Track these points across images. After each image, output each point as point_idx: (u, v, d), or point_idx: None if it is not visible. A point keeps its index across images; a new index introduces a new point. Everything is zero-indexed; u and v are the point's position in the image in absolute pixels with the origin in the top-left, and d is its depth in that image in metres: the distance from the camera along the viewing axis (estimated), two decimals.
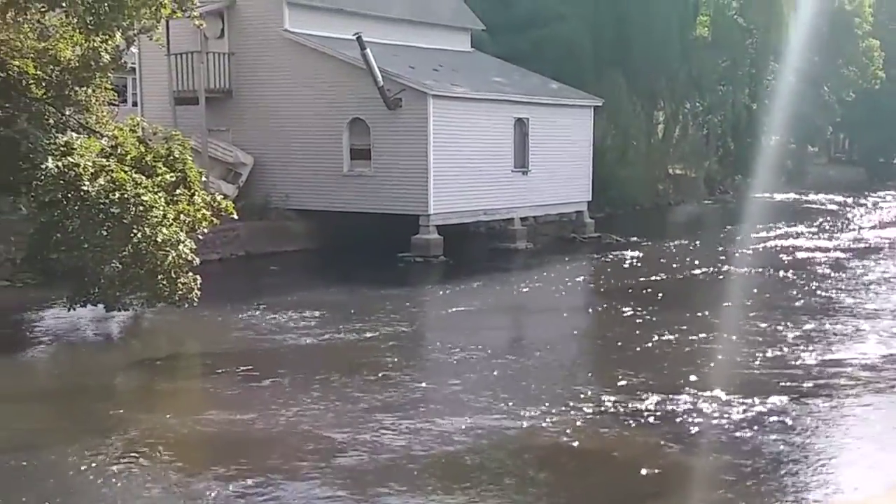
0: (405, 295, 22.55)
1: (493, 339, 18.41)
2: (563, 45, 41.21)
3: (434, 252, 28.10)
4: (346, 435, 11.98)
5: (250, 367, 15.46)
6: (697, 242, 32.78)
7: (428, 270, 27.01)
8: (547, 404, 13.25)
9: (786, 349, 16.57)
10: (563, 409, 13.10)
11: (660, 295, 22.33)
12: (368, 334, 17.86)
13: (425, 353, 17.53)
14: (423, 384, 14.67)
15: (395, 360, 16.02)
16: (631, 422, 12.64)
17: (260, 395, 13.81)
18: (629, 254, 29.82)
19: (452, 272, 26.40)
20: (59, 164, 17.60)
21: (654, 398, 13.51)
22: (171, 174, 18.92)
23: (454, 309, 21.16)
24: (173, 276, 17.73)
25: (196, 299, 18.05)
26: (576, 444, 11.87)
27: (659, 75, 45.73)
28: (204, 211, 19.04)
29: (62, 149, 18.16)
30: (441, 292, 23.85)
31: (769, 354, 16.24)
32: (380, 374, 14.96)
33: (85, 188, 17.35)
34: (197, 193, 19.31)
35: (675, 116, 51.50)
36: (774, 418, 12.72)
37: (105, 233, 17.26)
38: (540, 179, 32.34)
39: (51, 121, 22.07)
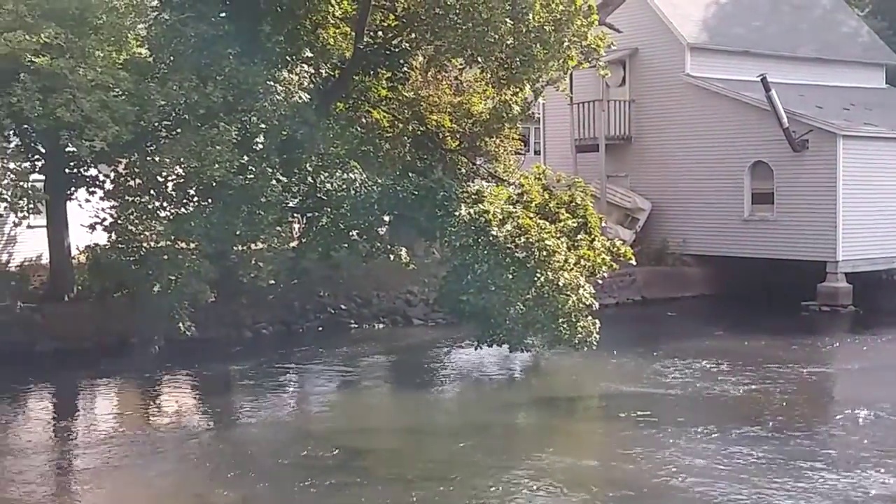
0: (809, 346, 21.43)
1: None
2: None
3: (842, 301, 26.50)
4: (738, 488, 11.57)
5: (648, 412, 15.42)
6: None
7: (835, 321, 25.49)
8: None
9: None
10: None
11: None
12: (769, 385, 17.14)
13: (827, 409, 16.53)
14: (825, 440, 13.84)
15: (795, 413, 15.26)
16: None
17: (660, 442, 13.68)
18: None
19: (862, 323, 24.71)
20: (471, 210, 18.75)
21: None
22: (573, 220, 19.48)
23: (862, 363, 19.79)
24: (573, 319, 18.16)
25: (595, 343, 18.34)
26: None
27: None
28: (603, 256, 19.38)
29: (473, 196, 19.34)
30: (849, 345, 22.42)
31: None
32: (778, 428, 14.28)
33: (493, 233, 18.31)
34: (597, 239, 19.72)
35: None
36: None
37: (511, 276, 18.08)
38: None
39: (463, 170, 23.66)
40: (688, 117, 30.01)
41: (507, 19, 18.97)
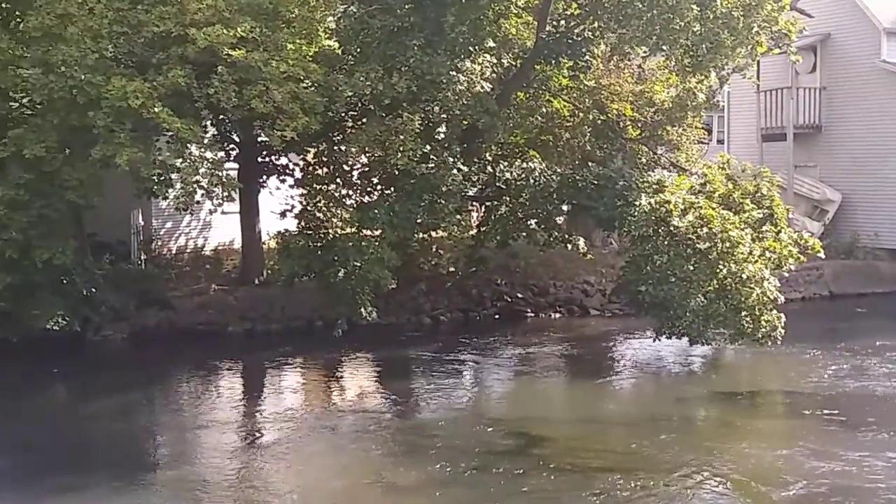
0: None
1: None
2: None
3: None
4: None
5: (836, 411, 14.87)
6: None
7: None
8: None
9: None
10: None
11: None
12: None
13: None
14: None
15: None
16: None
17: (846, 442, 13.19)
18: None
19: None
20: (652, 200, 18.50)
21: None
22: (758, 211, 18.94)
23: None
24: (757, 313, 17.67)
25: (779, 338, 17.80)
26: None
27: None
28: (790, 248, 18.78)
29: (654, 186, 19.07)
30: None
31: None
32: None
33: (674, 224, 18.02)
34: (783, 230, 19.11)
35: None
36: None
37: (692, 267, 17.75)
38: None
39: (643, 159, 23.36)
40: (883, 105, 28.63)
41: (694, 6, 18.58)
